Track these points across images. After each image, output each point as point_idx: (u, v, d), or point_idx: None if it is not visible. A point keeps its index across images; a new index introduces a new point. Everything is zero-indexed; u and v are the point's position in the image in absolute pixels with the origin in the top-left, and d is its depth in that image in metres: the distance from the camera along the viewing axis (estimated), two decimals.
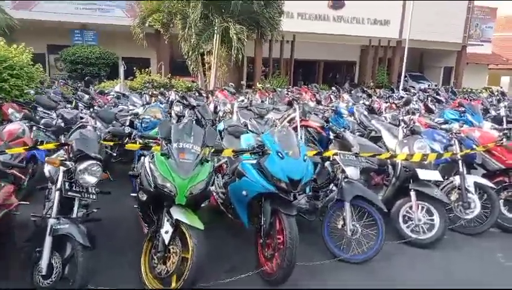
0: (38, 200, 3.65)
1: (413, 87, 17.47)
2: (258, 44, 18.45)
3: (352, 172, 3.50)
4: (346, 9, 20.84)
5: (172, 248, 2.73)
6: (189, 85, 11.22)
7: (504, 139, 4.28)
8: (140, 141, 3.43)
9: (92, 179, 2.73)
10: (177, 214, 2.71)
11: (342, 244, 3.51)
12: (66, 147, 2.81)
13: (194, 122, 5.25)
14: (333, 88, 10.86)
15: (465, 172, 4.17)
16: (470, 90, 16.64)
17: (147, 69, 11.59)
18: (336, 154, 3.56)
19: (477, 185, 4.09)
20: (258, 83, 10.42)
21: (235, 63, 10.69)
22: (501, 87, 15.76)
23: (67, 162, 2.68)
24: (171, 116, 6.64)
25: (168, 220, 2.73)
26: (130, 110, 6.03)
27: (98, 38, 18.41)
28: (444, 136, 4.44)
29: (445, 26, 21.82)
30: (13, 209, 3.19)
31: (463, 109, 6.83)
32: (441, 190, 4.20)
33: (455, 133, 4.24)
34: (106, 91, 8.36)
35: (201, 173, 2.76)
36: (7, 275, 2.94)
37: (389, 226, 3.92)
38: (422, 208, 3.82)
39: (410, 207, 3.84)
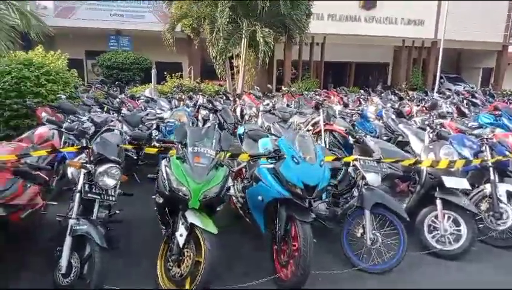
0: (67, 201, 3.82)
1: (449, 89, 16.83)
2: (287, 47, 18.40)
3: (373, 178, 3.40)
4: (378, 9, 20.33)
5: (187, 251, 2.76)
6: (217, 89, 11.36)
7: None
8: (157, 144, 3.49)
9: (111, 182, 2.82)
10: (191, 217, 2.74)
11: (361, 254, 3.40)
12: (87, 150, 2.91)
13: (217, 126, 5.30)
14: (361, 91, 10.61)
15: (496, 180, 3.95)
16: (510, 92, 15.73)
17: (177, 74, 11.84)
18: (355, 159, 3.47)
19: (510, 195, 3.85)
20: (283, 87, 10.35)
21: (262, 66, 10.71)
22: None
23: (88, 165, 2.78)
24: (197, 120, 6.76)
25: (183, 224, 2.77)
26: (158, 114, 6.19)
27: (132, 43, 19.08)
28: (474, 142, 4.22)
29: (484, 24, 20.80)
30: (41, 209, 3.35)
31: (499, 112, 6.49)
32: (471, 198, 4.00)
33: (486, 138, 4.02)
34: (137, 96, 8.61)
35: (215, 177, 2.78)
36: (31, 271, 3.08)
37: (413, 236, 3.77)
38: (449, 217, 3.64)
39: (436, 216, 3.67)
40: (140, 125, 4.99)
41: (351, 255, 3.42)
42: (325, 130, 5.82)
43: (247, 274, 3.19)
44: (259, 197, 3.14)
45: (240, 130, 4.51)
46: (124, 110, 6.77)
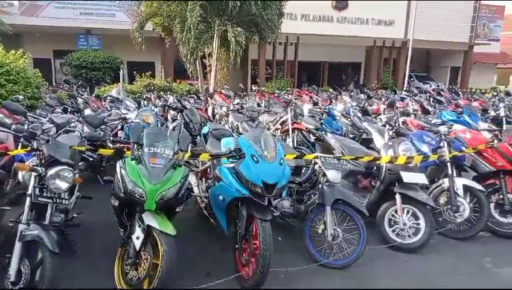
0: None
1: (418, 87, 17.28)
2: (260, 46, 18.44)
3: (334, 175, 3.44)
4: (350, 10, 20.68)
5: (144, 254, 2.72)
6: (189, 88, 11.26)
7: (495, 141, 4.18)
8: (111, 145, 3.42)
9: (63, 185, 2.73)
10: (148, 219, 2.70)
11: (323, 249, 3.45)
12: (38, 152, 2.81)
13: (183, 125, 5.25)
14: (330, 90, 10.76)
15: (454, 175, 4.09)
16: (474, 90, 16.34)
17: (146, 73, 11.65)
18: (316, 157, 3.50)
19: (466, 188, 3.99)
20: (253, 86, 10.36)
21: (234, 65, 10.69)
22: (505, 87, 15.46)
23: (38, 168, 2.68)
24: (166, 120, 6.66)
25: (139, 226, 2.72)
26: (123, 114, 6.06)
27: (102, 42, 18.62)
28: (433, 138, 4.35)
29: (452, 25, 21.53)
30: None
31: (460, 110, 6.73)
32: (430, 192, 4.13)
33: (444, 134, 4.15)
34: (104, 96, 8.41)
35: (173, 178, 2.74)
36: None
37: (375, 231, 3.86)
38: (408, 211, 3.74)
39: (396, 211, 3.76)
40: (103, 126, 4.87)
41: (313, 251, 3.46)
42: (293, 129, 5.86)
43: (209, 274, 3.17)
44: (220, 197, 3.13)
45: (205, 129, 4.48)
46: (88, 111, 6.62)
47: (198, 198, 3.93)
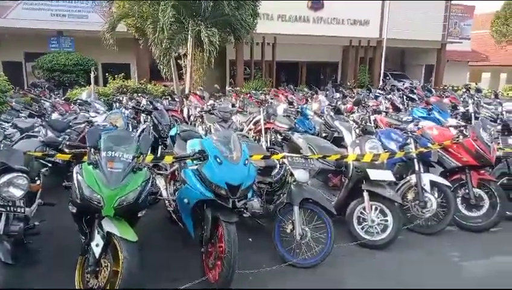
0: None
1: (394, 85, 17.59)
2: (237, 47, 18.40)
3: (301, 175, 3.43)
4: (326, 10, 20.88)
5: (104, 262, 2.64)
6: (163, 90, 11.12)
7: (460, 137, 4.26)
8: (67, 150, 3.30)
9: (17, 192, 2.62)
10: (108, 226, 2.62)
11: (292, 249, 3.43)
12: None
13: (152, 128, 5.15)
14: (305, 89, 10.81)
15: (422, 171, 4.15)
16: (446, 87, 16.75)
17: (119, 75, 11.42)
18: (284, 157, 3.48)
19: (433, 184, 4.06)
20: (227, 87, 10.30)
21: (208, 65, 10.60)
22: (476, 84, 15.91)
23: None
24: (139, 123, 6.53)
25: (98, 233, 2.63)
26: (91, 117, 5.91)
27: (75, 44, 18.16)
28: (401, 135, 4.40)
29: (424, 24, 22.02)
30: None
31: (431, 106, 6.85)
32: (398, 189, 4.18)
33: (410, 132, 4.21)
34: (74, 99, 8.18)
35: (132, 182, 2.67)
36: None
37: (346, 228, 3.88)
38: (376, 208, 3.77)
39: (364, 208, 3.79)
40: (69, 130, 4.72)
41: (282, 251, 3.44)
42: (266, 129, 5.84)
43: (176, 279, 3.10)
44: (185, 200, 3.07)
45: (173, 131, 4.39)
46: (55, 115, 6.43)
47: (166, 202, 3.85)
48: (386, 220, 3.73)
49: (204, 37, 9.51)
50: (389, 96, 9.22)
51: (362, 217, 3.83)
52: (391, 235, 3.67)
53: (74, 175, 2.68)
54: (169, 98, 9.33)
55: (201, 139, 3.10)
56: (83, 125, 4.73)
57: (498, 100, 9.49)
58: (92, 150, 2.72)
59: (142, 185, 2.73)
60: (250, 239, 3.83)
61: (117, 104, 7.94)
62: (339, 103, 8.34)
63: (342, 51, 24.55)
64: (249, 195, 3.00)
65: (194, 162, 3.10)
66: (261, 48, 20.89)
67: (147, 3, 10.00)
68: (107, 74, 11.44)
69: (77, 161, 2.86)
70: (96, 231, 2.64)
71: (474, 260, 3.70)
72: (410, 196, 4.12)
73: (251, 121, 6.26)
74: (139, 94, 9.52)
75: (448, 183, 4.04)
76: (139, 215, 2.86)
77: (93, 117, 6.05)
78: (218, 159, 2.88)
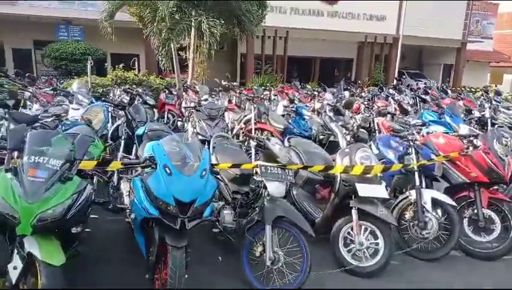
0: None
1: (409, 85, 16.80)
2: (248, 40, 17.87)
3: (276, 188, 2.93)
4: (341, 4, 20.12)
5: (22, 287, 2.20)
6: (164, 82, 10.72)
7: (470, 148, 3.68)
8: None
9: None
10: (30, 245, 2.17)
11: (262, 275, 2.94)
12: None
13: (125, 124, 4.70)
14: (308, 86, 10.22)
15: (423, 186, 3.60)
16: (463, 88, 15.87)
17: (119, 65, 11.06)
18: (256, 166, 2.98)
19: (435, 202, 3.50)
20: (223, 81, 9.78)
21: (209, 58, 10.10)
22: (496, 86, 14.99)
23: None
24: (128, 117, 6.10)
25: (18, 253, 2.19)
26: (75, 109, 5.51)
27: (84, 33, 17.92)
28: (401, 143, 3.84)
29: (444, 22, 21.02)
30: None
31: (442, 110, 6.23)
32: (396, 205, 3.64)
33: (411, 140, 3.64)
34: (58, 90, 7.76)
35: (60, 194, 2.21)
36: None
37: (331, 251, 3.36)
38: (366, 229, 3.24)
39: (352, 228, 3.26)
40: (37, 124, 4.31)
41: (251, 277, 2.95)
42: (257, 129, 5.34)
43: None
44: (132, 215, 2.61)
45: (140, 130, 3.92)
46: (36, 106, 6.05)
47: (127, 211, 3.39)
48: (377, 244, 3.20)
49: (205, 28, 9.01)
50: (396, 97, 8.55)
51: (350, 238, 3.30)
52: (381, 261, 3.15)
53: None
54: (167, 92, 8.89)
55: (154, 143, 2.62)
56: (50, 119, 4.32)
57: None
58: (16, 153, 2.27)
59: (74, 197, 2.27)
60: (219, 258, 3.35)
61: (109, 96, 7.53)
62: (339, 103, 7.74)
63: (357, 47, 23.73)
64: (206, 213, 2.51)
65: (145, 170, 2.64)
66: (272, 42, 20.30)
67: None
68: (105, 64, 11.05)
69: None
70: (15, 251, 2.20)
71: None
72: (408, 214, 3.57)
73: (241, 120, 5.76)
74: (135, 86, 9.10)
75: (453, 202, 3.46)
76: (73, 231, 2.40)
77: (76, 109, 5.65)
78: (167, 169, 2.40)
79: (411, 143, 3.60)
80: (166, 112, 8.64)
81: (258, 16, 11.35)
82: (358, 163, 3.21)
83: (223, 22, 9.78)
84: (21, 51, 19.20)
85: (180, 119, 7.56)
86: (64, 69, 16.02)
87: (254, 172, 3.09)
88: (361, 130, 3.59)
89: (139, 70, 14.69)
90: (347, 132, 3.55)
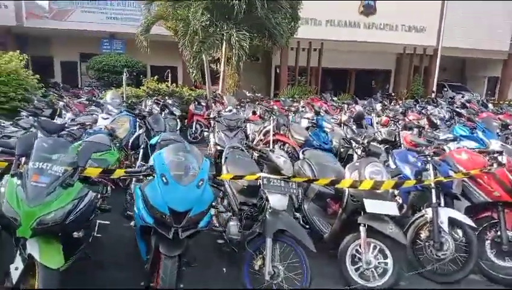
0: None
1: (451, 98, 16.08)
2: (282, 52, 17.97)
3: (278, 201, 2.89)
4: (378, 15, 19.74)
5: (23, 288, 2.30)
6: (197, 94, 10.99)
7: (494, 165, 3.44)
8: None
9: None
10: (32, 247, 2.28)
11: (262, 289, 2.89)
12: None
13: (144, 134, 4.85)
14: (334, 98, 10.02)
15: (441, 204, 3.41)
16: (506, 102, 14.91)
17: (153, 78, 11.49)
18: (258, 178, 2.96)
19: (453, 221, 3.29)
20: (247, 92, 9.85)
21: (237, 70, 10.26)
22: None
23: None
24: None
25: (20, 254, 2.31)
26: (104, 119, 5.77)
27: (126, 47, 18.88)
28: (419, 159, 3.67)
29: (489, 32, 19.99)
30: None
31: (474, 124, 5.90)
32: (411, 224, 3.46)
33: (429, 155, 3.47)
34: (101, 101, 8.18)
35: (60, 199, 2.32)
36: None
37: (338, 268, 3.25)
38: (375, 247, 3.11)
39: (360, 245, 3.14)
40: (64, 132, 4.56)
41: None
42: (275, 140, 5.31)
43: None
44: (132, 223, 2.67)
45: (154, 139, 4.03)
46: (69, 115, 6.40)
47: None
48: (386, 263, 3.06)
49: (235, 41, 9.18)
50: (429, 111, 8.19)
51: (358, 255, 3.17)
52: (390, 281, 3.00)
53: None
54: (196, 102, 9.10)
55: (156, 152, 2.68)
56: (75, 127, 4.55)
57: None
58: (23, 159, 2.41)
59: (75, 203, 2.37)
60: (224, 269, 3.33)
61: (141, 106, 7.80)
62: (373, 114, 7.53)
63: (395, 59, 23.11)
64: (202, 223, 2.51)
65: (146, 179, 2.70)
66: (306, 53, 20.26)
67: (181, 5, 9.89)
68: (134, 74, 11.45)
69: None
70: (18, 253, 2.32)
71: None
72: (424, 233, 3.39)
73: (261, 131, 5.77)
74: (167, 97, 9.38)
75: (471, 223, 3.24)
76: (75, 236, 2.50)
77: (105, 119, 5.91)
78: (164, 178, 2.44)
79: (428, 159, 3.43)
80: (194, 122, 8.86)
81: (290, 29, 11.41)
82: (367, 178, 3.10)
83: (254, 34, 9.93)
84: (68, 64, 20.54)
85: (206, 129, 7.71)
86: (106, 80, 16.89)
87: (259, 184, 3.07)
88: (374, 143, 3.45)
89: (176, 83, 15.16)
90: (357, 145, 3.45)
